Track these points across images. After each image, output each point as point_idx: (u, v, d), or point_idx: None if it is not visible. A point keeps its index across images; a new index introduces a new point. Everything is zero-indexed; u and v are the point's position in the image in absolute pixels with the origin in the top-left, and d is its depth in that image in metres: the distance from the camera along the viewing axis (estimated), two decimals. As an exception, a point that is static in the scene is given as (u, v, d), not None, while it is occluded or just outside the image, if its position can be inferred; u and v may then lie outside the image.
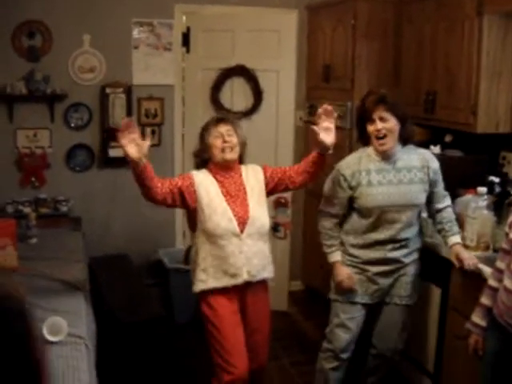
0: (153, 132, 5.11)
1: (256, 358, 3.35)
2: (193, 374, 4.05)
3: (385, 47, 4.62)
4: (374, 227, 3.33)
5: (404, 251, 3.38)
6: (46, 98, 4.80)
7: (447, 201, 3.52)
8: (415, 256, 3.47)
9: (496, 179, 3.83)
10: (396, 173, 3.31)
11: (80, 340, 2.86)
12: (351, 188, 3.32)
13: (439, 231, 3.49)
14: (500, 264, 2.80)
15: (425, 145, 3.89)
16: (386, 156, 3.31)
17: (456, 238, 3.39)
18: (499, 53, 3.77)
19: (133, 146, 2.80)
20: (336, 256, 3.45)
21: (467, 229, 3.49)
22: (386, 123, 3.22)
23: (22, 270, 3.62)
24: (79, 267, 3.90)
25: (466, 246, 3.41)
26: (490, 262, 3.14)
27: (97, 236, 5.01)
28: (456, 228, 3.44)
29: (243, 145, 3.33)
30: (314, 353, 3.79)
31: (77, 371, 2.60)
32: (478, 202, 3.47)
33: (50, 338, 2.74)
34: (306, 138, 5.35)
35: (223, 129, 3.25)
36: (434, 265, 3.60)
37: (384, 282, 3.41)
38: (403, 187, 3.30)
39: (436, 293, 3.64)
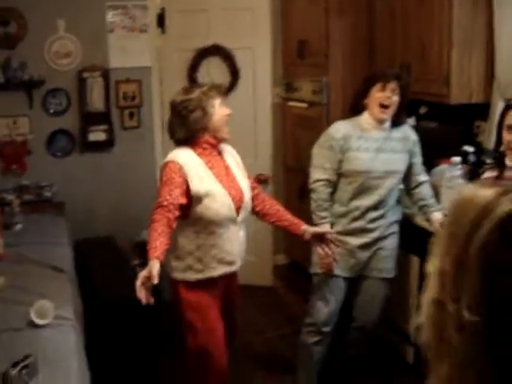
0: (131, 114, 5.14)
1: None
2: (181, 350, 4.09)
3: (358, 22, 4.64)
4: (358, 193, 3.40)
5: (383, 222, 3.46)
6: (24, 85, 4.78)
7: (426, 175, 3.62)
8: (394, 229, 3.55)
9: (470, 149, 3.89)
10: (382, 142, 3.40)
11: (67, 322, 2.90)
12: (342, 151, 3.38)
13: (421, 207, 3.56)
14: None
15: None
16: (378, 126, 3.40)
17: (439, 214, 3.47)
18: (470, 23, 3.82)
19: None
20: (327, 228, 3.51)
21: (443, 198, 3.57)
22: (394, 96, 3.34)
23: (8, 256, 3.66)
24: (64, 250, 3.95)
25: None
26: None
27: (81, 220, 5.02)
28: (437, 204, 3.54)
29: None
30: (301, 326, 3.84)
31: (65, 352, 2.65)
32: (452, 172, 3.55)
33: (38, 322, 2.79)
34: (283, 114, 5.39)
35: (223, 101, 2.99)
36: (412, 235, 3.67)
37: (362, 255, 3.49)
38: (386, 155, 3.39)
39: (415, 262, 3.72)
